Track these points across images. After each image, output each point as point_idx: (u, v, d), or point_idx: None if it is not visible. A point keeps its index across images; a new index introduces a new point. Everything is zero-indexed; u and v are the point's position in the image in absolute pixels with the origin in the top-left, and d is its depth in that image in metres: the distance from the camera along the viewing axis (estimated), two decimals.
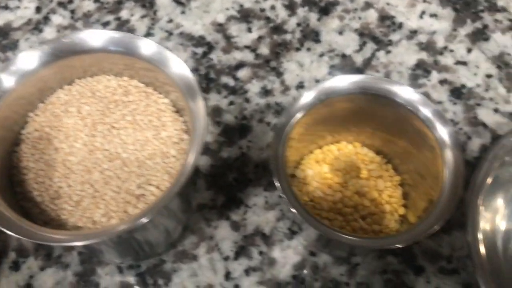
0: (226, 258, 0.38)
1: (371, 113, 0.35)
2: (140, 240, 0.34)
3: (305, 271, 0.38)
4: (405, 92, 0.33)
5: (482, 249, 0.34)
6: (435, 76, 0.46)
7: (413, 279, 0.38)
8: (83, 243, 0.25)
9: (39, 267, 0.38)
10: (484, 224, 0.36)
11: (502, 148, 0.36)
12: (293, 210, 0.30)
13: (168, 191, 0.27)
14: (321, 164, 0.37)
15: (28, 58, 0.30)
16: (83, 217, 0.29)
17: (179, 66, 0.30)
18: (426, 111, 0.32)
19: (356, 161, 0.37)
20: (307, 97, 0.33)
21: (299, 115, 0.33)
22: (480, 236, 0.35)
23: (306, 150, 0.38)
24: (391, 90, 0.33)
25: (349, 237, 0.29)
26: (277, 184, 0.30)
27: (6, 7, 0.49)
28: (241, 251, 0.39)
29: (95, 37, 0.31)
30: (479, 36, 0.48)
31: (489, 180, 0.36)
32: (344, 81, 0.33)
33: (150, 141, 0.31)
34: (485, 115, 0.44)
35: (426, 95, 0.45)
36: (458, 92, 0.45)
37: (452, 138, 0.32)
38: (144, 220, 0.26)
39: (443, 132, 0.32)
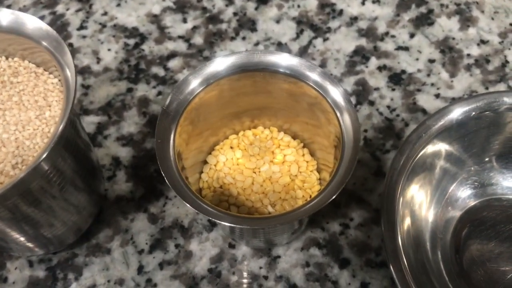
0: (140, 252, 0.36)
1: (262, 91, 0.33)
2: (44, 232, 0.32)
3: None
4: (285, 60, 0.31)
5: (399, 240, 0.31)
6: (373, 62, 0.44)
7: (337, 273, 0.35)
8: None
9: None
10: (406, 213, 0.33)
11: (426, 129, 0.34)
12: (187, 205, 0.28)
13: (27, 167, 0.25)
14: (235, 150, 0.36)
15: None
16: None
17: (40, 25, 0.29)
18: (313, 75, 0.30)
19: (271, 146, 0.35)
20: (194, 82, 0.31)
21: (188, 99, 0.31)
22: (404, 226, 0.33)
23: (221, 135, 0.36)
24: (271, 61, 0.31)
25: (230, 217, 0.27)
26: (164, 175, 0.29)
27: None
28: (156, 244, 0.37)
29: None
30: (423, 21, 0.46)
31: (411, 165, 0.33)
32: (225, 62, 0.31)
33: (32, 121, 0.29)
34: (425, 100, 0.42)
35: (363, 81, 0.43)
36: (397, 78, 0.43)
37: (345, 99, 0.30)
38: None
39: (336, 94, 0.30)
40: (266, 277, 0.35)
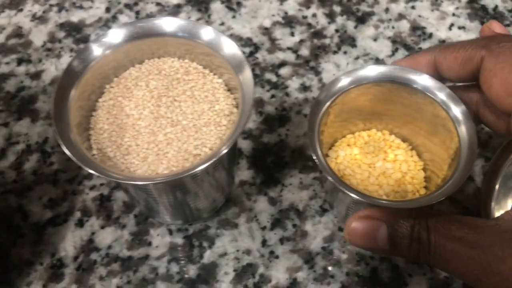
0: (263, 228, 0.43)
1: (394, 100, 0.39)
2: (190, 203, 0.39)
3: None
4: (423, 79, 0.37)
5: None
6: None
7: None
8: (159, 181, 0.31)
9: (100, 225, 0.43)
10: (497, 214, 0.40)
11: None
12: (329, 178, 0.34)
13: (217, 150, 0.32)
14: (352, 147, 0.42)
15: (114, 36, 0.36)
16: (149, 170, 0.34)
17: (232, 47, 0.36)
18: (441, 95, 0.37)
19: (383, 146, 0.42)
20: (344, 81, 0.38)
21: (334, 96, 0.37)
22: None
23: (339, 134, 0.43)
24: (411, 78, 0.37)
25: (372, 198, 0.33)
26: (313, 154, 0.35)
27: (80, 7, 0.57)
28: (276, 223, 0.43)
29: (167, 23, 0.37)
30: None
31: (501, 173, 0.39)
32: (374, 70, 0.38)
33: (205, 112, 0.36)
34: None
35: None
36: None
37: (465, 115, 0.36)
38: (197, 169, 0.31)
39: (456, 112, 0.36)
40: (372, 257, 0.42)
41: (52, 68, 0.52)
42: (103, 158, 0.35)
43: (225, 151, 0.32)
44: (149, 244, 0.42)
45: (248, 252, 0.42)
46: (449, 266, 0.29)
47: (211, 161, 0.31)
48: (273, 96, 0.50)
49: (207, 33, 0.36)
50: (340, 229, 0.43)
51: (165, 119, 0.36)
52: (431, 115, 0.38)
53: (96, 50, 0.36)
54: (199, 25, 0.36)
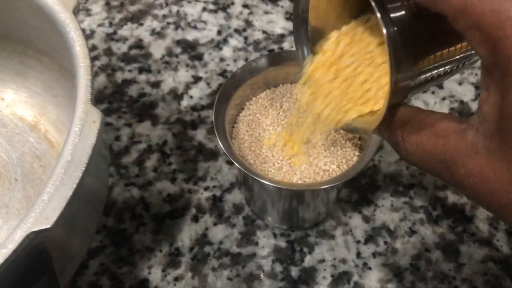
0: (357, 242, 0.48)
1: None
2: (299, 212, 0.45)
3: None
4: None
5: None
6: None
7: (509, 284, 0.46)
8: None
9: (213, 222, 0.49)
10: None
11: None
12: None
13: (345, 171, 0.38)
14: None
15: (271, 58, 0.43)
16: (284, 179, 0.40)
17: None
18: None
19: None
20: None
21: None
22: None
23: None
24: None
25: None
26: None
27: (195, 27, 0.63)
28: (369, 238, 0.48)
29: None
30: None
31: None
32: None
33: (331, 134, 0.42)
34: None
35: None
36: None
37: None
38: (333, 183, 0.37)
39: None
40: (454, 277, 0.47)
41: (170, 80, 0.59)
42: (245, 164, 0.41)
43: (354, 174, 0.38)
44: (256, 244, 0.48)
45: (344, 261, 0.47)
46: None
47: (342, 180, 0.37)
48: None
49: None
50: (426, 250, 0.48)
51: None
52: None
53: (253, 69, 0.42)
54: None
